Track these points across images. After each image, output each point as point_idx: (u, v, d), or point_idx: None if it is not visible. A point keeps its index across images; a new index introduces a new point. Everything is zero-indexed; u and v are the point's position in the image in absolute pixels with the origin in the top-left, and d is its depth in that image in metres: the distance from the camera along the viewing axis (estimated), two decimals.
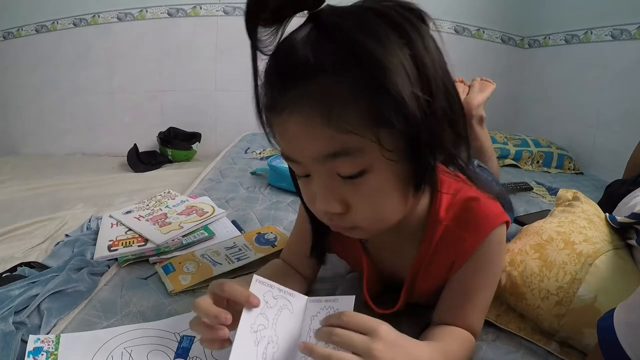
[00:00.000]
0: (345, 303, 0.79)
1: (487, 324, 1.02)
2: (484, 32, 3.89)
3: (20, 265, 1.45)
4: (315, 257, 1.07)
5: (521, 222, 1.59)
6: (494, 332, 1.03)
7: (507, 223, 0.91)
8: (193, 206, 1.70)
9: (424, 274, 0.95)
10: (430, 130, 0.70)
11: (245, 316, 0.77)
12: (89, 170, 3.51)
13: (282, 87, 0.70)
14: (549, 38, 3.63)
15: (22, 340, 0.96)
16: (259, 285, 0.80)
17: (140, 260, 1.35)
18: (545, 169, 2.92)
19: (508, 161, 2.89)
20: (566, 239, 1.08)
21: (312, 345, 0.70)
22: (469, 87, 1.85)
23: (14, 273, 1.42)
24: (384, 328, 0.71)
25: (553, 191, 2.22)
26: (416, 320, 1.04)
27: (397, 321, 1.03)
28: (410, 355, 0.72)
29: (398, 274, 1.02)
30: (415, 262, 0.94)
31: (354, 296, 0.79)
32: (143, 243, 1.42)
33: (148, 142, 3.95)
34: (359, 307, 1.02)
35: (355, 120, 0.67)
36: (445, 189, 0.87)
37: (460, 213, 0.89)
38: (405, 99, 0.66)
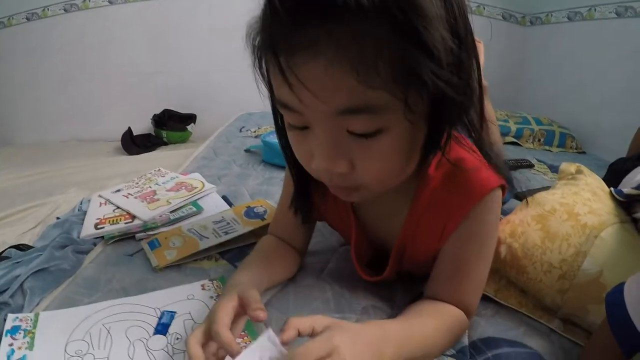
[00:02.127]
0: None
1: (486, 298, 0.98)
2: (484, 8, 3.84)
3: (10, 248, 1.43)
4: (300, 214, 1.01)
5: (521, 198, 1.54)
6: (494, 308, 0.99)
7: (502, 188, 0.84)
8: (182, 182, 1.66)
9: (414, 239, 0.90)
10: (456, 94, 0.64)
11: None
12: (83, 156, 3.50)
13: (299, 23, 0.59)
14: (552, 15, 3.56)
15: (4, 320, 0.93)
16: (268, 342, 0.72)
17: (127, 237, 1.32)
18: (547, 147, 2.86)
19: (509, 139, 2.83)
20: (570, 210, 1.02)
21: None
22: None
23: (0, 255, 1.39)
24: (337, 339, 0.66)
25: (555, 169, 2.17)
26: (410, 290, 1.01)
27: (391, 291, 1.01)
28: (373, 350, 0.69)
29: (388, 241, 0.97)
30: (404, 227, 0.89)
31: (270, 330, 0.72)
32: (130, 220, 1.38)
33: (143, 125, 3.92)
34: (355, 280, 1.01)
35: (385, 75, 0.59)
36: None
37: (449, 173, 0.83)
38: (442, 58, 0.59)
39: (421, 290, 0.94)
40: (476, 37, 1.73)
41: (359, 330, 0.71)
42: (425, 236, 0.88)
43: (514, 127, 2.88)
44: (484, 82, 1.65)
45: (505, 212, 1.16)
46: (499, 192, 0.84)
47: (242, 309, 0.77)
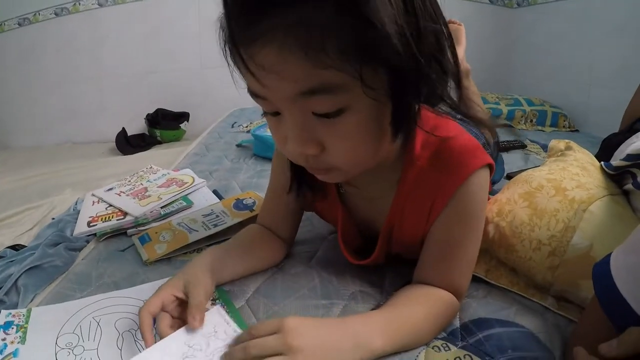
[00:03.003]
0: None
1: (477, 279, 0.98)
2: None
3: (6, 248, 1.44)
4: (298, 195, 1.02)
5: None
6: (485, 289, 0.98)
7: (490, 167, 0.85)
8: (173, 178, 1.67)
9: (401, 221, 0.91)
10: (415, 69, 0.64)
11: (187, 328, 0.79)
12: (78, 158, 3.50)
13: (252, 16, 0.61)
14: None
15: None
16: (217, 315, 0.80)
17: (119, 233, 1.34)
18: (540, 127, 2.85)
19: (501, 121, 2.82)
20: (557, 185, 1.01)
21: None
22: None
23: None
24: (289, 319, 0.72)
25: (548, 148, 2.17)
26: (399, 275, 1.01)
27: (380, 276, 1.01)
28: (329, 330, 0.74)
29: (376, 224, 0.97)
30: (392, 208, 0.90)
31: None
32: (122, 217, 1.40)
33: (137, 125, 3.92)
34: (343, 266, 1.02)
35: (336, 53, 0.60)
36: (422, 124, 0.78)
37: (436, 152, 0.83)
38: (389, 32, 0.60)
39: (410, 275, 0.93)
40: (456, 20, 1.72)
41: (322, 329, 0.74)
42: (413, 217, 0.88)
43: (505, 109, 2.87)
44: (466, 65, 1.65)
45: (495, 192, 1.16)
46: (487, 171, 0.84)
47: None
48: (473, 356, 0.77)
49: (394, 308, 0.83)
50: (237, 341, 0.75)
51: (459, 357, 0.77)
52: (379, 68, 0.63)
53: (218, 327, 0.80)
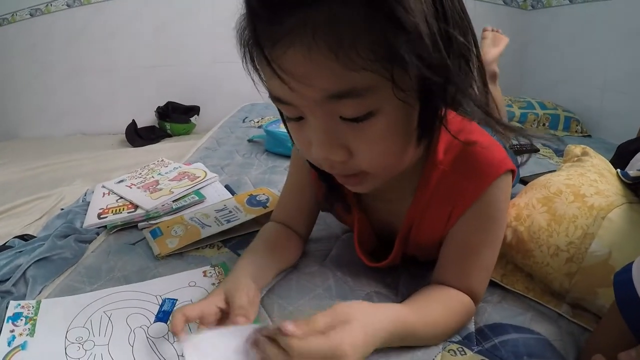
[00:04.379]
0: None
1: (492, 284, 0.96)
2: None
3: (14, 238, 1.43)
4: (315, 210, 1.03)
5: (526, 182, 1.53)
6: (500, 294, 0.96)
7: (512, 172, 0.83)
8: (185, 172, 1.66)
9: (419, 224, 0.89)
10: (444, 70, 0.62)
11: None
12: (88, 149, 3.50)
13: (276, 14, 0.59)
14: None
15: (7, 308, 0.93)
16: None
17: (130, 226, 1.32)
18: (552, 131, 2.80)
19: (513, 124, 2.80)
20: (576, 191, 0.99)
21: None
22: (482, 39, 1.77)
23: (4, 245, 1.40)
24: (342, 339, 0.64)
25: (560, 153, 2.15)
26: (414, 276, 1.00)
27: (395, 277, 1.00)
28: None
29: (393, 226, 0.95)
30: (410, 212, 0.88)
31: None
32: (133, 210, 1.39)
33: (147, 118, 3.92)
34: (358, 266, 1.01)
35: (367, 53, 0.58)
36: (447, 127, 0.75)
37: (459, 157, 0.81)
38: (421, 31, 0.58)
39: (425, 277, 0.93)
40: (502, 32, 1.71)
41: (367, 322, 0.69)
42: (432, 220, 0.87)
43: (518, 112, 2.84)
44: (495, 68, 1.63)
45: (512, 196, 1.14)
46: (509, 177, 0.82)
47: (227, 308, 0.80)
48: None
49: (413, 304, 0.81)
50: None
51: None
52: (408, 70, 0.61)
53: None
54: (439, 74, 0.62)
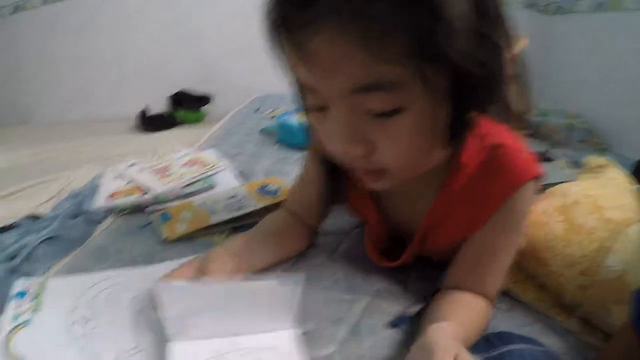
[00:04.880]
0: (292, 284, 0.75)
1: (502, 291, 0.92)
2: None
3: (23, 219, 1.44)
4: (327, 203, 1.01)
5: (543, 189, 1.50)
6: (509, 302, 0.94)
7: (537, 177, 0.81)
8: (196, 159, 1.65)
9: (439, 227, 0.87)
10: (478, 72, 0.61)
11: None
12: (98, 135, 3.50)
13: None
14: (577, 4, 3.48)
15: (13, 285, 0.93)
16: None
17: (139, 210, 1.32)
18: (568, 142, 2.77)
19: (525, 131, 2.75)
20: (594, 202, 0.96)
21: None
22: None
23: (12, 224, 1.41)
24: None
25: (575, 165, 2.11)
26: (424, 275, 0.98)
27: (405, 275, 0.98)
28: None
29: (409, 226, 0.93)
30: (430, 213, 0.86)
31: (303, 275, 0.75)
32: (142, 193, 1.38)
33: (158, 106, 3.91)
34: (367, 262, 0.99)
35: (398, 47, 0.56)
36: (475, 129, 0.74)
37: (486, 161, 0.79)
38: (457, 29, 0.56)
39: (436, 275, 0.91)
40: (521, 35, 1.69)
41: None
42: (454, 223, 0.85)
43: (536, 120, 2.80)
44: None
45: None
46: (535, 183, 0.80)
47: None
48: None
49: (460, 326, 0.77)
50: None
51: None
52: (441, 67, 0.60)
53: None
54: (471, 76, 0.61)
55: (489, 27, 0.61)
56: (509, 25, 0.66)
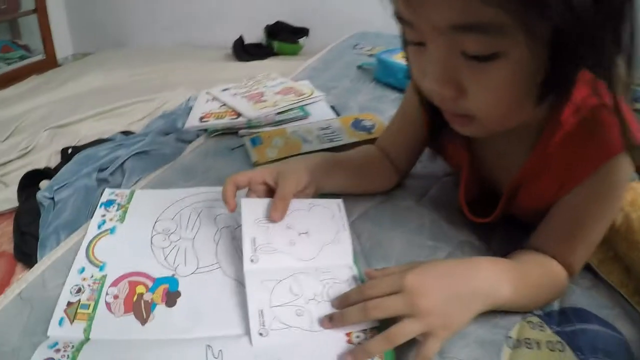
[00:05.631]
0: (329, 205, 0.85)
1: (586, 267, 0.87)
2: None
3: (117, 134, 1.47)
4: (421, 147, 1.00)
5: None
6: (592, 279, 0.88)
7: None
8: (291, 87, 1.63)
9: (529, 186, 0.82)
10: (586, 29, 0.54)
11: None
12: (194, 60, 3.55)
13: None
14: None
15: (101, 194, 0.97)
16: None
17: (230, 132, 1.32)
18: None
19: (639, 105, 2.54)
20: None
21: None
22: None
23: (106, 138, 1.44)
24: (409, 278, 0.66)
25: None
26: (509, 235, 0.93)
27: (490, 231, 0.95)
28: (454, 280, 0.69)
29: (500, 181, 0.89)
30: (522, 171, 0.81)
31: (341, 200, 0.86)
32: (235, 117, 1.38)
33: (255, 35, 3.91)
34: (454, 212, 0.96)
35: None
36: (575, 91, 0.69)
37: (586, 120, 0.72)
38: None
39: (519, 239, 0.86)
40: None
41: (445, 282, 0.68)
42: (546, 182, 0.79)
43: None
44: None
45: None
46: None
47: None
48: (565, 346, 0.71)
49: (516, 263, 0.76)
50: (343, 301, 0.70)
51: (551, 342, 0.72)
52: (546, 17, 0.53)
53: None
54: (577, 32, 0.54)
55: None
56: None
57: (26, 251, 1.18)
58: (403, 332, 0.62)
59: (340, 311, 0.69)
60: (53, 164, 1.74)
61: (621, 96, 0.66)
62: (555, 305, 0.80)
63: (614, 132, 0.69)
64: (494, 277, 0.70)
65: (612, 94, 0.63)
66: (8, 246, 1.34)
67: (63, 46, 4.04)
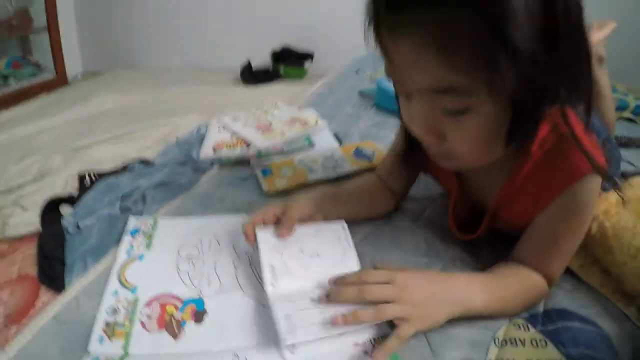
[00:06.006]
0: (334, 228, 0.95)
1: (568, 272, 0.95)
2: None
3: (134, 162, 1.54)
4: (408, 167, 1.08)
5: (627, 176, 1.45)
6: (574, 283, 0.96)
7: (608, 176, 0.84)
8: (297, 117, 1.72)
9: (508, 207, 0.92)
10: (545, 84, 0.66)
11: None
12: (203, 83, 3.61)
13: (395, 6, 0.66)
14: None
15: (126, 223, 1.05)
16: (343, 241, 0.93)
17: (242, 162, 1.40)
18: None
19: (625, 114, 2.51)
20: None
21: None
22: None
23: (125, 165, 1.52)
24: (400, 274, 0.79)
25: None
26: (496, 249, 1.00)
27: (479, 247, 1.03)
28: (436, 285, 0.81)
29: (485, 203, 0.99)
30: (499, 196, 0.92)
31: (343, 221, 0.96)
32: (246, 147, 1.47)
33: (261, 59, 3.98)
34: (447, 231, 1.04)
35: (469, 61, 0.62)
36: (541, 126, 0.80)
37: (551, 151, 0.83)
38: (524, 53, 0.61)
39: (505, 251, 0.94)
40: (610, 20, 1.62)
41: (429, 283, 0.81)
42: (520, 205, 0.90)
43: (633, 103, 2.55)
44: (601, 51, 1.57)
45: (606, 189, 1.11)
46: (597, 178, 0.82)
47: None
48: (548, 342, 0.79)
49: (493, 276, 0.87)
50: (343, 281, 0.81)
51: (535, 340, 0.79)
52: (507, 77, 0.64)
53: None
54: (536, 84, 0.66)
55: (558, 41, 0.63)
56: (583, 24, 0.67)
57: (51, 275, 1.24)
58: (389, 310, 0.73)
59: (338, 288, 0.80)
60: (70, 188, 1.82)
61: (580, 126, 0.77)
62: (540, 308, 0.88)
63: (576, 159, 0.80)
64: (468, 290, 0.81)
65: (570, 128, 0.75)
66: (30, 269, 1.39)
67: (73, 63, 4.07)
